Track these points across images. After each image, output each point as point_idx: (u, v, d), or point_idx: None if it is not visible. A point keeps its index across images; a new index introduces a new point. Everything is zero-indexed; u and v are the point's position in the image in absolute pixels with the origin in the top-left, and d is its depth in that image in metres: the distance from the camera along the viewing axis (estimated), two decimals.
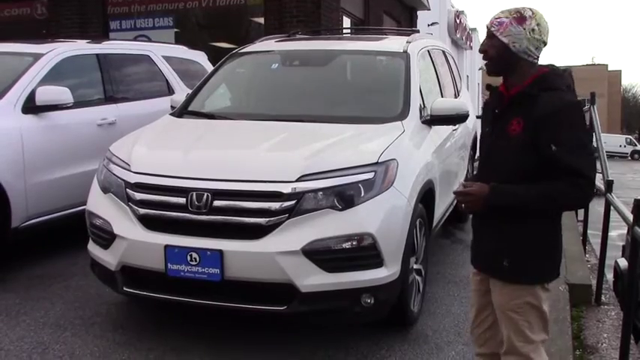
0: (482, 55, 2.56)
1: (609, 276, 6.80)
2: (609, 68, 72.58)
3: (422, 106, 4.60)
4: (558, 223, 2.58)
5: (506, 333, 2.58)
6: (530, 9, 2.47)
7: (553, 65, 2.56)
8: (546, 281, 2.56)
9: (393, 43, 5.44)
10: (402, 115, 4.37)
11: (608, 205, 4.78)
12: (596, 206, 6.13)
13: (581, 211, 7.24)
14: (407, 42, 5.16)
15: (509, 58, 2.47)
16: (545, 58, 2.55)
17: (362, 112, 4.58)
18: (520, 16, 2.44)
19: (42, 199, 4.96)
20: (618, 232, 9.79)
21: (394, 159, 3.72)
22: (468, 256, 5.48)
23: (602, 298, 5.15)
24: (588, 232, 6.92)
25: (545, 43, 2.48)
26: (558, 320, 4.23)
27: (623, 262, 6.73)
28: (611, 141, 46.48)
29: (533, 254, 2.50)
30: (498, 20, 2.47)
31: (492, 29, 2.48)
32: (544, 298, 2.55)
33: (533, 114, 2.40)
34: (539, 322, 2.56)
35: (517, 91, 2.49)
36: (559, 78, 2.49)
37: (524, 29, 2.43)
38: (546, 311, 2.57)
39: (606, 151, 5.95)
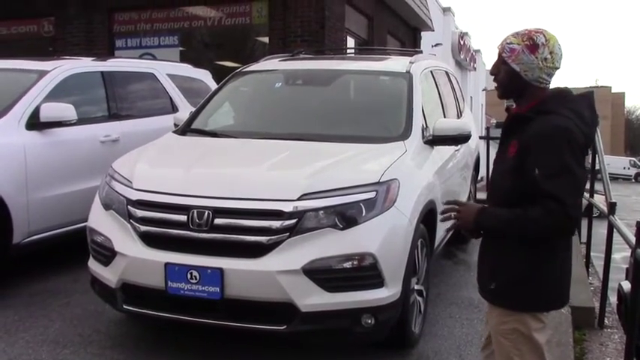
0: (493, 76, 2.52)
1: (613, 299, 6.75)
2: (613, 90, 72.81)
3: (424, 126, 4.60)
4: (553, 251, 2.41)
5: (498, 359, 2.54)
6: (544, 34, 2.39)
7: (564, 88, 2.50)
8: (534, 311, 2.44)
9: (395, 63, 5.46)
10: (404, 135, 4.38)
11: (611, 227, 4.76)
12: (600, 228, 6.11)
13: (584, 234, 7.21)
14: (410, 62, 5.18)
15: (520, 85, 2.44)
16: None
17: (364, 131, 4.58)
18: (532, 44, 2.36)
19: (44, 215, 4.96)
20: (622, 255, 9.73)
21: (396, 179, 3.72)
22: (470, 278, 5.51)
23: (606, 321, 5.11)
24: (592, 254, 6.89)
25: (557, 69, 2.42)
26: (560, 343, 4.18)
27: (626, 285, 6.67)
28: (614, 163, 46.48)
29: (517, 281, 2.43)
30: (510, 46, 2.40)
31: (504, 55, 2.42)
32: (536, 328, 2.44)
33: (524, 137, 2.37)
34: (531, 351, 2.45)
35: (516, 114, 2.48)
36: (560, 101, 2.40)
37: (537, 58, 2.37)
38: (541, 342, 2.44)
39: (610, 174, 5.95)
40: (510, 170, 2.40)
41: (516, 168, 2.37)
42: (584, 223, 7.32)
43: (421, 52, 6.55)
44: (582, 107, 2.42)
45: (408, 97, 4.72)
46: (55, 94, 5.25)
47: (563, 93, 2.47)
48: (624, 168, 51.96)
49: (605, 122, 62.10)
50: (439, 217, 2.86)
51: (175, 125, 5.09)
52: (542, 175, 2.27)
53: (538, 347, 2.45)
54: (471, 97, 26.84)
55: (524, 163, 2.34)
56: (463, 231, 2.56)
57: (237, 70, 5.60)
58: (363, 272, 3.44)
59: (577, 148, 2.30)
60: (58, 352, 3.86)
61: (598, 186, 6.57)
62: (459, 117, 6.34)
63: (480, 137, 9.26)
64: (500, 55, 2.45)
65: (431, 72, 5.60)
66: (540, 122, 2.35)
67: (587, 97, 2.49)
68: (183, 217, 3.52)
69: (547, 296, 2.45)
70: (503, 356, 2.51)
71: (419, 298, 4.08)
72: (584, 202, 6.55)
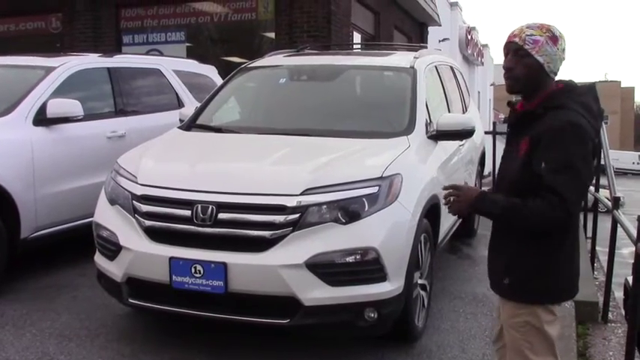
0: (505, 71, 2.47)
1: (618, 294, 6.75)
2: (622, 85, 72.30)
3: (428, 121, 4.61)
4: (565, 244, 2.45)
5: (509, 352, 2.58)
6: (556, 28, 2.44)
7: (570, 81, 2.51)
8: (546, 303, 2.48)
9: (400, 58, 5.47)
10: (408, 130, 4.39)
11: (615, 222, 4.76)
12: (606, 223, 6.11)
13: (589, 228, 7.20)
14: (414, 57, 5.18)
15: (540, 78, 2.43)
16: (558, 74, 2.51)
17: (368, 126, 4.60)
18: (553, 36, 2.40)
19: (51, 211, 5.01)
20: (630, 250, 9.72)
21: (399, 174, 3.73)
22: (474, 272, 5.53)
23: (610, 315, 5.12)
24: (598, 249, 6.88)
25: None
26: (564, 337, 4.19)
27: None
28: (623, 158, 46.19)
29: (531, 274, 2.46)
30: (533, 38, 2.39)
31: (527, 47, 2.39)
32: (547, 320, 2.47)
33: (534, 133, 2.38)
34: (542, 344, 2.48)
35: (525, 110, 2.49)
36: (569, 95, 2.42)
37: (558, 49, 2.40)
38: (552, 335, 2.48)
39: (619, 169, 5.97)
40: (521, 167, 2.41)
41: (526, 163, 2.39)
42: (590, 217, 7.32)
43: (426, 47, 6.54)
44: (590, 100, 2.44)
45: (412, 93, 4.73)
46: (61, 91, 5.29)
47: (571, 87, 2.47)
48: (633, 163, 51.59)
49: (615, 117, 61.70)
50: (442, 202, 2.82)
51: (181, 121, 5.12)
52: (548, 170, 2.30)
53: (549, 340, 2.48)
54: (479, 92, 26.76)
55: (532, 158, 2.36)
56: (450, 210, 2.58)
57: (242, 66, 5.63)
58: (366, 266, 3.46)
59: (587, 146, 2.32)
60: (64, 345, 3.91)
61: (604, 180, 6.56)
62: (464, 112, 6.34)
63: (486, 132, 9.26)
64: (519, 48, 2.41)
65: (435, 67, 5.61)
66: (552, 117, 2.37)
67: (593, 90, 2.50)
68: (187, 212, 3.55)
69: (559, 288, 2.49)
70: (514, 349, 2.54)
71: (422, 292, 4.10)
72: (590, 197, 6.56)
